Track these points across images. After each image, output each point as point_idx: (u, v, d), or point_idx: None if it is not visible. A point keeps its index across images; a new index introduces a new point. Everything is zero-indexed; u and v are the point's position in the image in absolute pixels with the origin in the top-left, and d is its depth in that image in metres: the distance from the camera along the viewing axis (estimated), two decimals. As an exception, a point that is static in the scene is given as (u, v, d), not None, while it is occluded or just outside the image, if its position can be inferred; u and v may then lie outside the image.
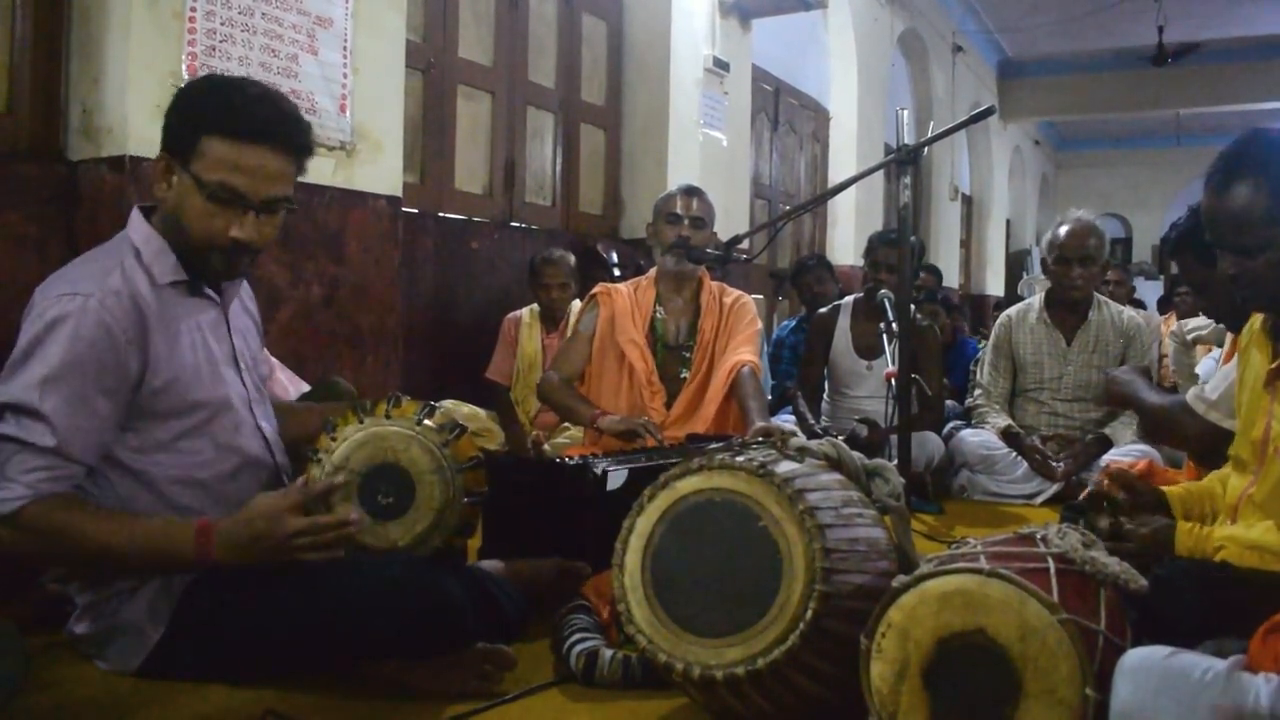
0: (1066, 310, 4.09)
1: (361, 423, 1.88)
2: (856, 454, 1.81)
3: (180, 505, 1.77)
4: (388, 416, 1.90)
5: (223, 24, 2.99)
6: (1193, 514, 2.04)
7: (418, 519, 1.85)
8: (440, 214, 4.47)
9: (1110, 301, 4.21)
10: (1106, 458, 3.67)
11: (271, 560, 1.69)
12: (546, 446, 3.85)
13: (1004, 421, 4.04)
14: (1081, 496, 2.09)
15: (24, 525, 1.61)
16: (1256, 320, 1.96)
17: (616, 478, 2.26)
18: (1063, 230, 3.97)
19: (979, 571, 1.38)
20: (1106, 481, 2.67)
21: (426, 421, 1.91)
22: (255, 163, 1.73)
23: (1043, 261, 4.15)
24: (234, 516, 1.69)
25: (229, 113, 1.73)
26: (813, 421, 4.01)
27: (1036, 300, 4.21)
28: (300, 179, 1.87)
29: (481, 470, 1.96)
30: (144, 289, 1.75)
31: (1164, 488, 2.10)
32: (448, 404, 3.74)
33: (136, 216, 1.83)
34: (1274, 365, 1.84)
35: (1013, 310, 4.28)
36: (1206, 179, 1.80)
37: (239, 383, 1.91)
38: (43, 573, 2.06)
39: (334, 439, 1.87)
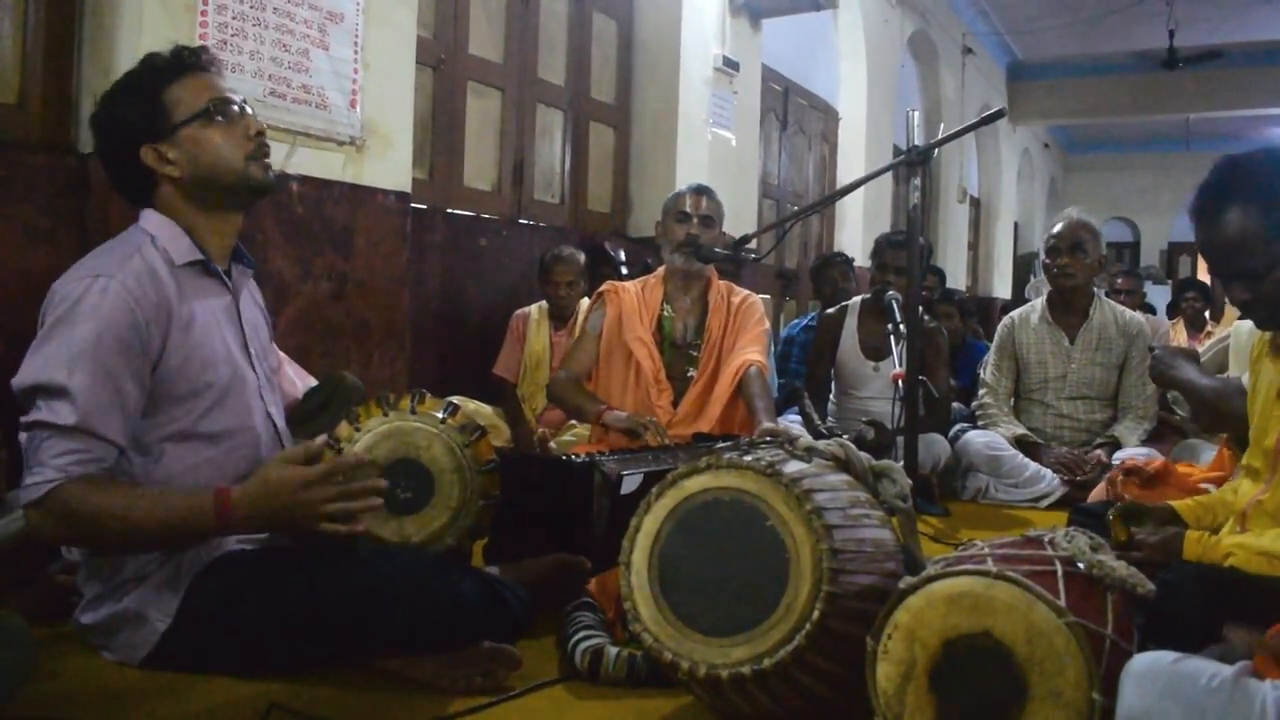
0: (1068, 309, 4.14)
1: (386, 415, 1.88)
2: (864, 455, 1.81)
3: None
4: (413, 412, 1.90)
5: (234, 18, 3.00)
6: (1204, 526, 2.03)
7: (434, 516, 1.85)
8: (449, 210, 4.47)
9: (1110, 301, 4.24)
10: (1116, 457, 3.69)
11: (293, 524, 1.65)
12: (552, 444, 3.85)
13: (1018, 430, 4.06)
14: (1110, 513, 2.05)
15: (53, 508, 1.61)
16: (1265, 335, 1.96)
17: (631, 482, 2.25)
18: (1056, 226, 4.11)
19: (986, 574, 1.38)
20: (1121, 477, 2.68)
21: (449, 421, 1.91)
22: (209, 81, 1.86)
23: (1040, 264, 4.23)
24: (251, 482, 1.64)
25: (162, 67, 1.84)
26: (819, 422, 4.00)
27: (1039, 302, 4.26)
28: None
29: (497, 474, 1.96)
30: (163, 271, 1.77)
31: (1174, 503, 2.09)
32: (454, 400, 3.74)
33: (147, 209, 1.86)
34: None
35: (1015, 312, 4.33)
36: (1195, 215, 1.79)
37: (250, 369, 1.92)
38: (50, 563, 2.08)
39: (357, 429, 1.87)
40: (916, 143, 3.19)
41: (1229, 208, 1.73)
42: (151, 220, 1.84)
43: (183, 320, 1.78)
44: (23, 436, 1.67)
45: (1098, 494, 2.99)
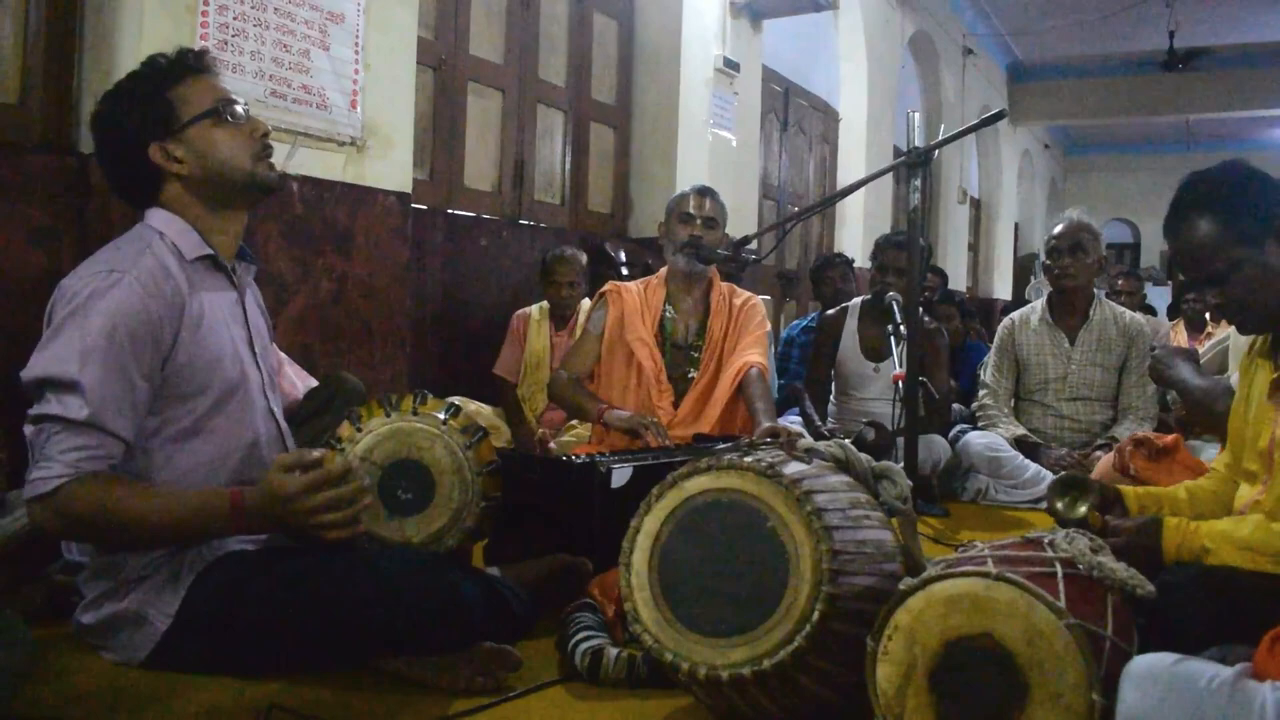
0: (1068, 310, 4.15)
1: (388, 416, 1.89)
2: (864, 456, 1.81)
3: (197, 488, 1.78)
4: (415, 413, 1.91)
5: (235, 18, 3.00)
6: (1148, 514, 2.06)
7: (434, 517, 1.85)
8: (449, 211, 4.47)
9: (1111, 302, 4.24)
10: None
11: (293, 530, 1.69)
12: (553, 445, 3.85)
13: (1018, 430, 4.06)
14: (1050, 484, 2.11)
15: (61, 504, 1.62)
16: (1256, 339, 1.99)
17: (621, 475, 2.26)
18: (1057, 227, 4.11)
19: (986, 575, 1.38)
20: (1130, 448, 2.73)
21: (451, 422, 1.91)
22: (214, 83, 1.88)
23: (1041, 265, 4.24)
24: (256, 488, 1.68)
25: (167, 68, 1.84)
26: (819, 423, 4.00)
27: (1039, 303, 4.26)
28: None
29: (498, 476, 1.96)
30: (174, 265, 1.78)
31: (1122, 487, 2.13)
32: (455, 401, 3.74)
33: (153, 208, 1.86)
34: (1276, 377, 1.88)
35: (1016, 313, 4.32)
36: (1165, 229, 1.92)
37: (255, 367, 1.93)
38: (50, 563, 2.08)
39: (359, 429, 1.87)
40: (917, 144, 3.19)
41: (1191, 218, 1.84)
42: (159, 218, 1.84)
43: (194, 315, 1.79)
44: (28, 429, 1.67)
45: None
